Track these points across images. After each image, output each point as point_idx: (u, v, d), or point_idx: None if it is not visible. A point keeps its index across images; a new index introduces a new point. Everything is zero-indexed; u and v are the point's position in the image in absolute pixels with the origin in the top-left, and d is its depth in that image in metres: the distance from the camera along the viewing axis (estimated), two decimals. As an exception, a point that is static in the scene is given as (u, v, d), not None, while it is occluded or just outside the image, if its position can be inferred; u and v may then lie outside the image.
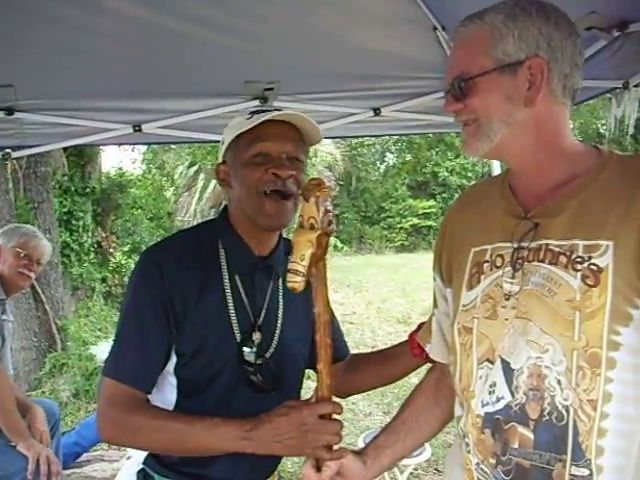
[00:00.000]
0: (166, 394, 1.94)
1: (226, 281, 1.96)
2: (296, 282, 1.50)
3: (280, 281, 2.06)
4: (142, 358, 1.87)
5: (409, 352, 2.15)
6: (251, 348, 1.94)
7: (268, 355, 1.99)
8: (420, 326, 2.13)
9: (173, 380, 1.93)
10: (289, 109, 3.73)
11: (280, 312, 2.05)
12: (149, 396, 1.93)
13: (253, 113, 1.94)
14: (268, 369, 1.97)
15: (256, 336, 1.96)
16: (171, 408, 1.93)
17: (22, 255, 3.76)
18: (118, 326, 1.96)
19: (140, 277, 1.95)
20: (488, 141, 1.49)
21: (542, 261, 1.46)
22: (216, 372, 1.92)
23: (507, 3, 1.48)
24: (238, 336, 1.93)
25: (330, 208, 1.56)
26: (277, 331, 2.03)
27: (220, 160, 2.04)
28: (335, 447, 1.72)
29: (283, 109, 1.97)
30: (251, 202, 1.91)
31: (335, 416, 1.72)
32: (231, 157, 1.98)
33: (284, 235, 2.12)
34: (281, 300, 2.06)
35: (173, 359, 1.91)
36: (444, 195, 29.83)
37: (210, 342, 1.90)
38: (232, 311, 1.94)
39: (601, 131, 26.25)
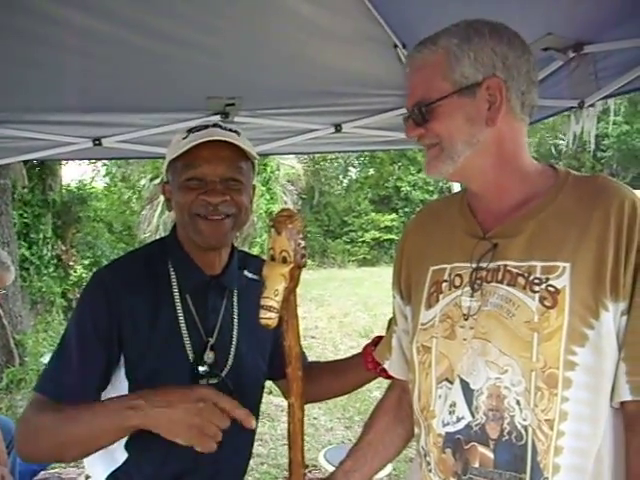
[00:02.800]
0: None
1: (177, 301, 1.93)
2: (270, 319, 1.45)
3: (235, 298, 2.05)
4: (77, 380, 1.82)
5: (363, 365, 2.15)
6: (204, 368, 1.92)
7: (224, 374, 1.97)
8: (375, 340, 2.14)
9: None
10: (249, 124, 3.76)
11: (235, 329, 2.03)
12: None
13: (190, 131, 1.91)
14: (225, 387, 1.93)
15: (209, 355, 1.94)
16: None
17: None
18: (58, 345, 1.90)
19: (86, 301, 1.92)
20: (452, 163, 1.50)
21: (500, 282, 1.48)
22: None
23: (459, 26, 1.50)
24: (191, 356, 1.91)
25: (302, 240, 1.53)
26: (232, 348, 2.01)
27: (165, 179, 2.02)
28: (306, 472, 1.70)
29: (230, 124, 1.94)
30: (186, 224, 1.90)
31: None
32: (170, 178, 1.96)
33: (240, 247, 2.11)
34: (236, 317, 2.04)
35: (124, 383, 1.88)
36: (406, 209, 30.02)
37: (163, 364, 1.87)
38: (184, 331, 1.91)
39: (560, 147, 26.62)
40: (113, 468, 1.94)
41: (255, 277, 2.11)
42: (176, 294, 1.94)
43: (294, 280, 1.52)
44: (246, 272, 2.11)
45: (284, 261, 1.50)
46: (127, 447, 1.92)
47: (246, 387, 2.03)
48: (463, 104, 1.47)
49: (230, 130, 1.93)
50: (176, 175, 1.91)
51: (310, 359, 2.38)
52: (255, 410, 2.14)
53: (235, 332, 2.03)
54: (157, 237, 2.09)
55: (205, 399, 1.59)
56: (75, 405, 1.72)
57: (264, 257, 2.40)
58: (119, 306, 1.85)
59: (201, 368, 1.91)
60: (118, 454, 1.93)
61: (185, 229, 1.93)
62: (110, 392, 1.90)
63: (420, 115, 1.50)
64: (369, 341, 2.20)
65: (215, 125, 1.93)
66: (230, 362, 1.99)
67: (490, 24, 1.50)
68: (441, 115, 1.47)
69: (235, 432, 2.00)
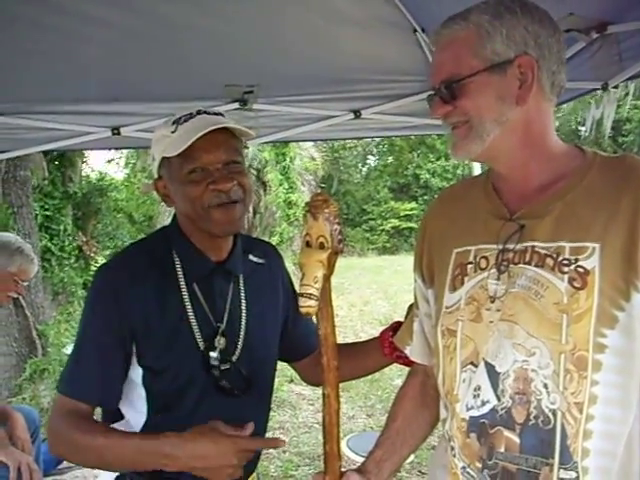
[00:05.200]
0: (136, 405, 1.94)
1: (184, 290, 1.93)
2: (310, 307, 1.42)
3: (241, 282, 2.04)
4: (96, 377, 1.88)
5: (380, 350, 2.15)
6: (216, 354, 1.92)
7: (235, 359, 1.97)
8: (393, 325, 2.13)
9: (142, 391, 1.92)
10: (267, 111, 3.76)
11: (244, 313, 2.02)
12: (121, 406, 1.95)
13: (176, 123, 1.86)
14: (237, 372, 1.96)
15: (220, 341, 1.94)
16: (143, 418, 1.93)
17: (16, 280, 3.73)
18: (74, 347, 1.93)
19: (95, 297, 1.94)
20: (481, 142, 1.47)
21: (528, 263, 1.45)
22: (185, 382, 1.91)
23: (489, 3, 1.47)
24: (201, 344, 1.91)
25: (338, 225, 1.49)
26: (241, 333, 2.00)
27: (155, 176, 1.97)
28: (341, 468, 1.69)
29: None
30: (199, 216, 1.87)
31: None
32: (166, 174, 1.91)
33: (260, 237, 2.10)
34: (243, 301, 2.04)
35: (139, 370, 1.90)
36: (425, 197, 29.91)
37: (175, 353, 1.89)
38: (193, 319, 1.91)
39: (580, 132, 26.38)
40: None
41: (261, 261, 2.13)
42: (182, 282, 1.93)
43: (331, 267, 1.49)
44: (251, 256, 2.11)
45: (321, 247, 1.46)
46: None
47: (258, 370, 2.04)
48: (493, 81, 1.44)
49: (215, 114, 1.91)
50: (174, 170, 1.86)
51: None
52: (268, 392, 2.17)
53: (244, 316, 2.02)
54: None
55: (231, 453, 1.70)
56: (108, 433, 1.82)
57: (267, 241, 2.39)
58: (127, 299, 1.86)
59: (212, 354, 1.91)
60: None
61: (197, 221, 1.90)
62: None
63: (449, 92, 1.47)
64: (387, 326, 2.19)
65: (199, 112, 1.89)
66: (240, 346, 1.99)
67: (521, 2, 1.46)
68: (471, 92, 1.45)
69: (249, 415, 2.03)
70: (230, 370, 1.95)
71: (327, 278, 1.50)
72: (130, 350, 1.88)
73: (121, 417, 1.97)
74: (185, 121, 1.85)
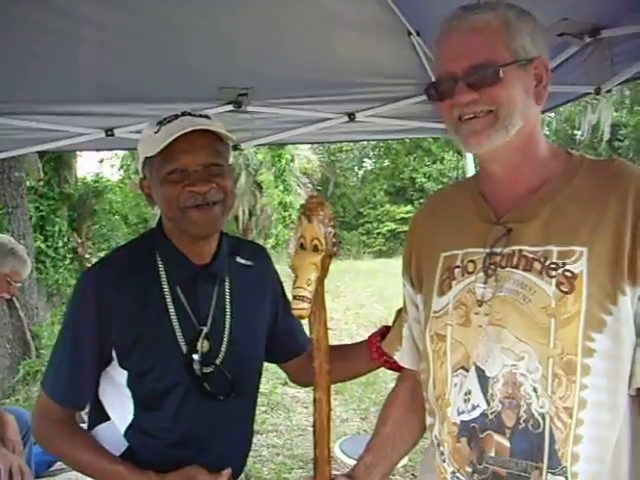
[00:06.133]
0: (125, 404, 1.95)
1: (166, 293, 1.93)
2: (303, 309, 1.42)
3: (226, 285, 2.04)
4: (74, 380, 1.92)
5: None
6: (197, 356, 1.92)
7: (219, 362, 1.97)
8: (382, 329, 2.11)
9: (128, 392, 1.93)
10: (262, 114, 3.75)
11: (228, 316, 2.02)
12: (107, 407, 1.99)
13: (160, 124, 1.86)
14: (221, 375, 1.96)
15: (203, 345, 1.94)
16: (130, 416, 1.94)
17: (9, 282, 3.72)
18: (56, 342, 1.98)
19: (76, 301, 1.96)
20: (505, 133, 1.44)
21: (516, 267, 1.45)
22: (168, 385, 1.92)
23: (506, 4, 1.47)
24: (184, 347, 1.92)
25: (332, 228, 1.50)
26: (226, 336, 2.00)
27: (141, 175, 1.98)
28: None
29: (194, 112, 1.90)
30: (176, 216, 1.87)
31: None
32: (149, 174, 1.92)
33: (256, 239, 2.10)
34: (228, 304, 2.03)
35: (124, 373, 1.91)
36: (421, 201, 29.86)
37: (157, 357, 1.90)
38: (175, 323, 1.92)
39: (575, 137, 26.44)
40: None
41: (248, 263, 2.12)
42: (165, 286, 1.93)
43: (324, 269, 1.49)
44: (238, 258, 2.10)
45: (315, 249, 1.46)
46: (126, 436, 1.96)
47: (243, 373, 2.03)
48: (521, 75, 1.44)
49: (200, 116, 1.90)
50: (155, 170, 1.87)
51: None
52: (253, 395, 2.17)
53: (228, 319, 2.01)
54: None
55: None
56: (96, 452, 1.92)
57: (256, 242, 2.39)
58: (107, 305, 1.87)
59: (194, 356, 1.91)
60: (119, 444, 1.96)
61: (175, 222, 1.91)
62: (107, 385, 1.97)
63: (481, 79, 1.42)
64: (374, 330, 2.17)
65: (184, 113, 1.89)
66: (224, 349, 1.99)
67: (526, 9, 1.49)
68: (505, 81, 1.41)
69: (234, 418, 2.02)
70: (214, 373, 1.95)
71: (320, 281, 1.50)
72: (108, 356, 1.90)
73: (107, 418, 1.99)
74: (169, 122, 1.85)
